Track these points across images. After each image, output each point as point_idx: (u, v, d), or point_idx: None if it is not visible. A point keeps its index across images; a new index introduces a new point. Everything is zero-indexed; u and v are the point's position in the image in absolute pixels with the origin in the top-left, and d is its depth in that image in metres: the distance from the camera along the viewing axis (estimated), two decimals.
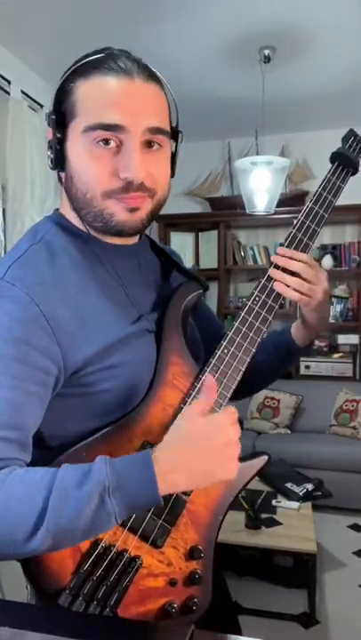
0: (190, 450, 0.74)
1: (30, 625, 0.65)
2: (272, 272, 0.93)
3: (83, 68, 0.80)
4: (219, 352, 0.90)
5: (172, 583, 0.83)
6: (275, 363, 1.07)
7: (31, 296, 0.76)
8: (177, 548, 0.85)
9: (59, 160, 0.82)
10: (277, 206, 3.38)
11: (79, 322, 0.79)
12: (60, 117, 0.81)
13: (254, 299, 0.92)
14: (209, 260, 4.51)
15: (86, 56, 0.82)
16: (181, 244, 4.48)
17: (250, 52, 3.03)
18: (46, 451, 0.82)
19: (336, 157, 0.98)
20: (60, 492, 0.68)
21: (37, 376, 0.75)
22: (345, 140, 0.99)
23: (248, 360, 0.90)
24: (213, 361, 0.89)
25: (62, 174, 0.85)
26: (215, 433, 0.75)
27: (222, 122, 4.09)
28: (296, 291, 0.92)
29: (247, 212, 3.40)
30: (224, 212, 4.39)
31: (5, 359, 0.73)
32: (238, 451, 0.77)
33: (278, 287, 0.92)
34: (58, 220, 0.88)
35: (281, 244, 0.95)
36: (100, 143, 0.78)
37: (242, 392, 0.96)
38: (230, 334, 0.91)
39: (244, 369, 0.90)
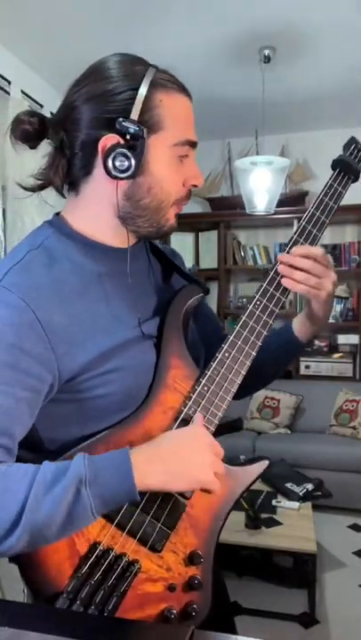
0: (171, 445, 0.78)
1: (30, 625, 0.65)
2: (281, 268, 0.93)
3: (159, 80, 0.81)
4: (220, 355, 0.90)
5: (170, 588, 0.83)
6: (277, 360, 1.07)
7: (27, 302, 0.75)
8: (176, 553, 0.84)
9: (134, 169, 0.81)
10: (277, 206, 3.38)
11: (76, 328, 0.79)
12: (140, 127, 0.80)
13: (256, 303, 0.93)
14: (209, 260, 4.52)
15: (137, 64, 0.82)
16: (181, 244, 4.48)
17: (250, 52, 3.03)
18: (45, 454, 0.81)
19: (338, 164, 0.99)
20: (38, 488, 0.69)
21: (29, 382, 0.75)
22: (346, 147, 1.01)
23: (249, 364, 0.91)
24: (214, 364, 0.89)
25: (90, 181, 0.84)
26: (192, 434, 0.80)
27: (222, 122, 4.09)
28: (303, 284, 0.93)
29: (247, 211, 3.40)
30: (224, 212, 4.39)
31: (1, 365, 0.73)
32: (215, 460, 0.80)
33: (286, 283, 0.93)
34: (58, 225, 0.88)
35: (282, 247, 0.96)
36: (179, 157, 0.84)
37: (244, 391, 0.97)
38: (232, 338, 0.91)
39: (245, 372, 0.90)
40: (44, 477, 0.70)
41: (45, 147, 0.87)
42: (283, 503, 2.82)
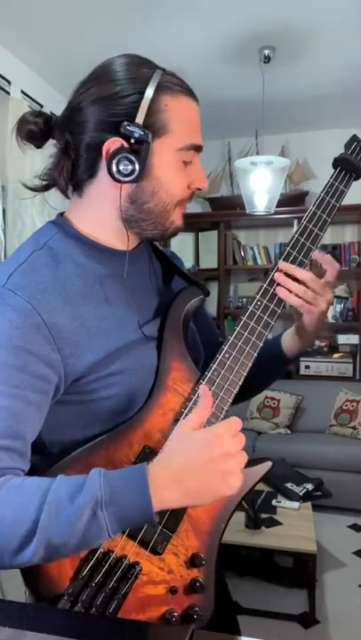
0: (186, 463, 0.72)
1: (30, 625, 0.65)
2: (277, 276, 0.92)
3: (166, 84, 0.81)
4: (220, 357, 0.89)
5: (172, 591, 0.82)
6: (265, 372, 1.05)
7: (33, 304, 0.75)
8: (178, 555, 0.83)
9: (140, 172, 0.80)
10: (277, 206, 3.38)
11: (81, 329, 0.79)
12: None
13: (256, 303, 0.92)
14: (209, 260, 4.52)
15: (143, 67, 0.81)
16: (181, 244, 4.48)
17: (250, 52, 3.03)
18: (46, 457, 0.81)
19: (339, 163, 0.99)
20: (52, 505, 0.68)
21: (37, 384, 0.75)
22: (348, 145, 1.00)
23: (250, 365, 0.89)
24: (215, 366, 0.88)
25: (93, 183, 0.84)
26: (212, 445, 0.73)
27: (222, 122, 4.09)
28: (298, 297, 0.92)
29: (247, 211, 3.40)
30: (224, 212, 4.39)
31: (6, 367, 0.73)
32: (241, 462, 0.74)
33: (281, 292, 0.92)
34: (62, 225, 0.87)
35: (283, 247, 0.96)
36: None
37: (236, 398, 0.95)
38: (232, 339, 0.90)
39: (245, 373, 0.89)
40: (57, 494, 0.68)
41: (45, 148, 0.87)
42: (283, 503, 2.81)
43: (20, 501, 0.69)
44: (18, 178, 2.84)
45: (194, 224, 4.56)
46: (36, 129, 0.84)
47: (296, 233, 0.95)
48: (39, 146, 0.86)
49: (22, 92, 3.02)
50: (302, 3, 2.54)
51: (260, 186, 3.21)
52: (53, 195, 0.90)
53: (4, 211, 2.93)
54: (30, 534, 0.67)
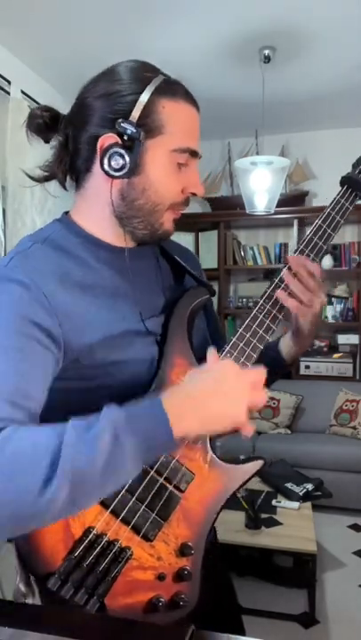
0: (196, 385, 0.74)
1: (30, 625, 0.65)
2: (286, 275, 0.96)
3: (166, 88, 0.83)
4: (222, 356, 0.91)
5: (160, 577, 0.84)
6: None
7: (34, 280, 0.78)
8: (168, 543, 0.86)
9: (130, 168, 0.83)
10: (277, 206, 3.38)
11: (81, 312, 0.82)
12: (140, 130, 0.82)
13: (260, 307, 0.95)
14: (209, 260, 4.51)
15: (149, 71, 0.84)
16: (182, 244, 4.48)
17: (250, 52, 3.03)
18: None
19: (346, 181, 1.03)
20: (71, 436, 0.66)
21: (42, 352, 0.77)
22: (355, 165, 1.04)
23: (250, 365, 0.92)
24: None
25: (93, 180, 0.87)
26: (220, 373, 0.75)
27: (222, 122, 4.09)
28: (295, 299, 0.95)
29: (247, 212, 3.40)
30: (224, 212, 4.39)
31: (13, 334, 0.74)
32: (247, 391, 0.75)
33: (280, 295, 0.96)
34: (66, 222, 0.91)
35: (283, 248, 0.98)
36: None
37: None
38: (234, 339, 0.93)
39: None
40: (75, 426, 0.67)
41: (46, 147, 0.90)
42: (283, 503, 2.81)
43: (35, 441, 0.67)
44: (18, 177, 2.84)
45: (194, 224, 4.56)
46: (42, 122, 0.87)
47: (302, 244, 0.99)
48: (46, 139, 0.89)
49: (22, 91, 3.02)
50: (302, 3, 2.54)
51: (260, 186, 3.21)
52: (55, 193, 0.92)
53: (3, 211, 2.93)
54: (52, 468, 0.64)
